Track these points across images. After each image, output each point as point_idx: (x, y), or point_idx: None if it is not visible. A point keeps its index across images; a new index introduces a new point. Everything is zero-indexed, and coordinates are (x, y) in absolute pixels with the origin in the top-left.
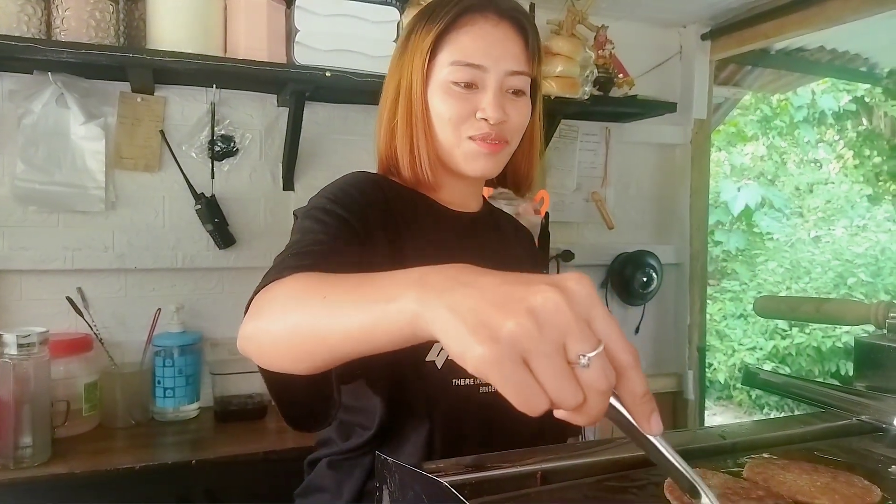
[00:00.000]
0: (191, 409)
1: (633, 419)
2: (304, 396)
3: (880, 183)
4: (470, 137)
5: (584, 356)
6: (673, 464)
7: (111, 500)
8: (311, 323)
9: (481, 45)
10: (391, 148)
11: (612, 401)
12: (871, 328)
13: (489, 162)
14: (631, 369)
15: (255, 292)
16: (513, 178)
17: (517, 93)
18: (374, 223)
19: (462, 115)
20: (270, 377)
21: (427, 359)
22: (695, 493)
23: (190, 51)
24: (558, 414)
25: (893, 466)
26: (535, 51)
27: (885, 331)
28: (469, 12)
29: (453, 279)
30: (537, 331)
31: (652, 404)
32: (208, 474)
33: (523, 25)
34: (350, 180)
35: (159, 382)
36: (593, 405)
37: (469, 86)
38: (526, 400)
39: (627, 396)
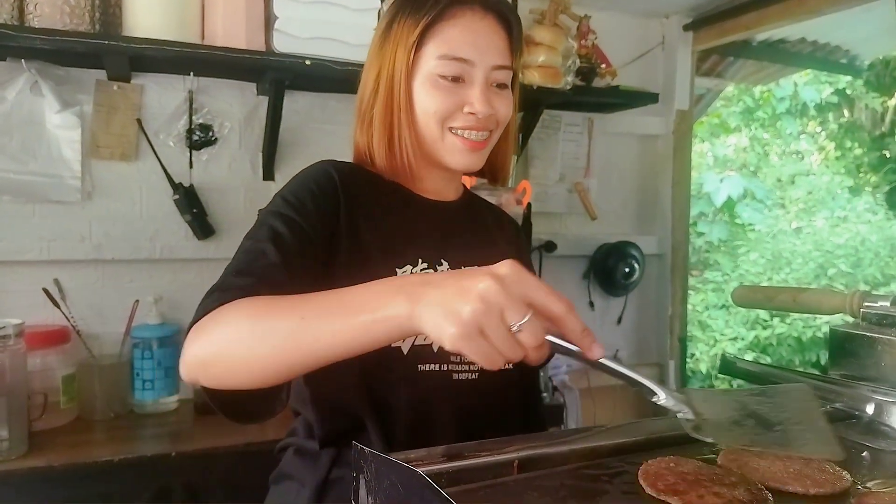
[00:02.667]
0: (170, 402)
1: (581, 350)
2: (247, 399)
3: (861, 174)
4: (453, 131)
5: (515, 324)
6: (623, 373)
7: (90, 493)
8: (296, 340)
9: (468, 39)
10: (368, 137)
11: (555, 340)
12: (848, 318)
13: (473, 157)
14: (565, 316)
15: (201, 313)
16: (489, 168)
17: (501, 86)
18: (331, 220)
19: (449, 109)
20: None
21: (392, 344)
22: (650, 394)
23: (167, 38)
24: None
25: (865, 453)
26: (518, 44)
27: (859, 320)
28: (456, 5)
29: (423, 283)
30: (485, 310)
31: (591, 337)
32: (188, 466)
33: (507, 18)
34: (311, 174)
35: (138, 374)
36: (533, 355)
37: (456, 80)
38: (487, 359)
39: (570, 335)
